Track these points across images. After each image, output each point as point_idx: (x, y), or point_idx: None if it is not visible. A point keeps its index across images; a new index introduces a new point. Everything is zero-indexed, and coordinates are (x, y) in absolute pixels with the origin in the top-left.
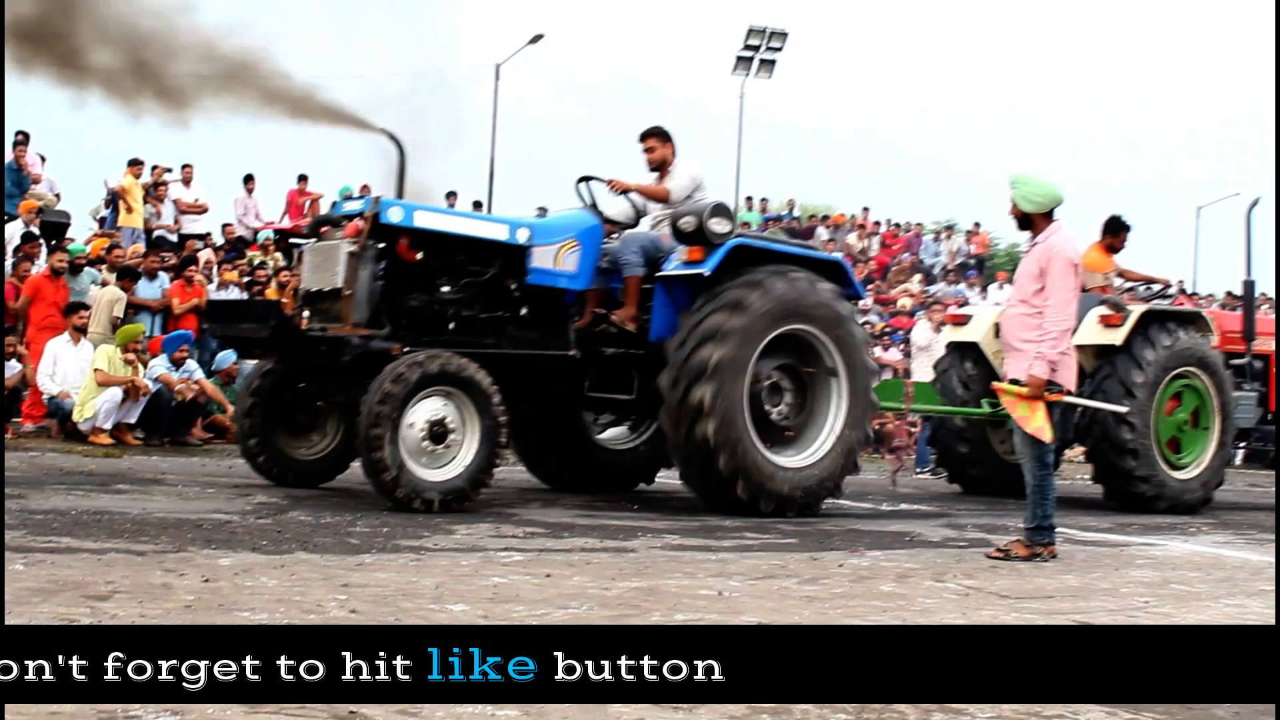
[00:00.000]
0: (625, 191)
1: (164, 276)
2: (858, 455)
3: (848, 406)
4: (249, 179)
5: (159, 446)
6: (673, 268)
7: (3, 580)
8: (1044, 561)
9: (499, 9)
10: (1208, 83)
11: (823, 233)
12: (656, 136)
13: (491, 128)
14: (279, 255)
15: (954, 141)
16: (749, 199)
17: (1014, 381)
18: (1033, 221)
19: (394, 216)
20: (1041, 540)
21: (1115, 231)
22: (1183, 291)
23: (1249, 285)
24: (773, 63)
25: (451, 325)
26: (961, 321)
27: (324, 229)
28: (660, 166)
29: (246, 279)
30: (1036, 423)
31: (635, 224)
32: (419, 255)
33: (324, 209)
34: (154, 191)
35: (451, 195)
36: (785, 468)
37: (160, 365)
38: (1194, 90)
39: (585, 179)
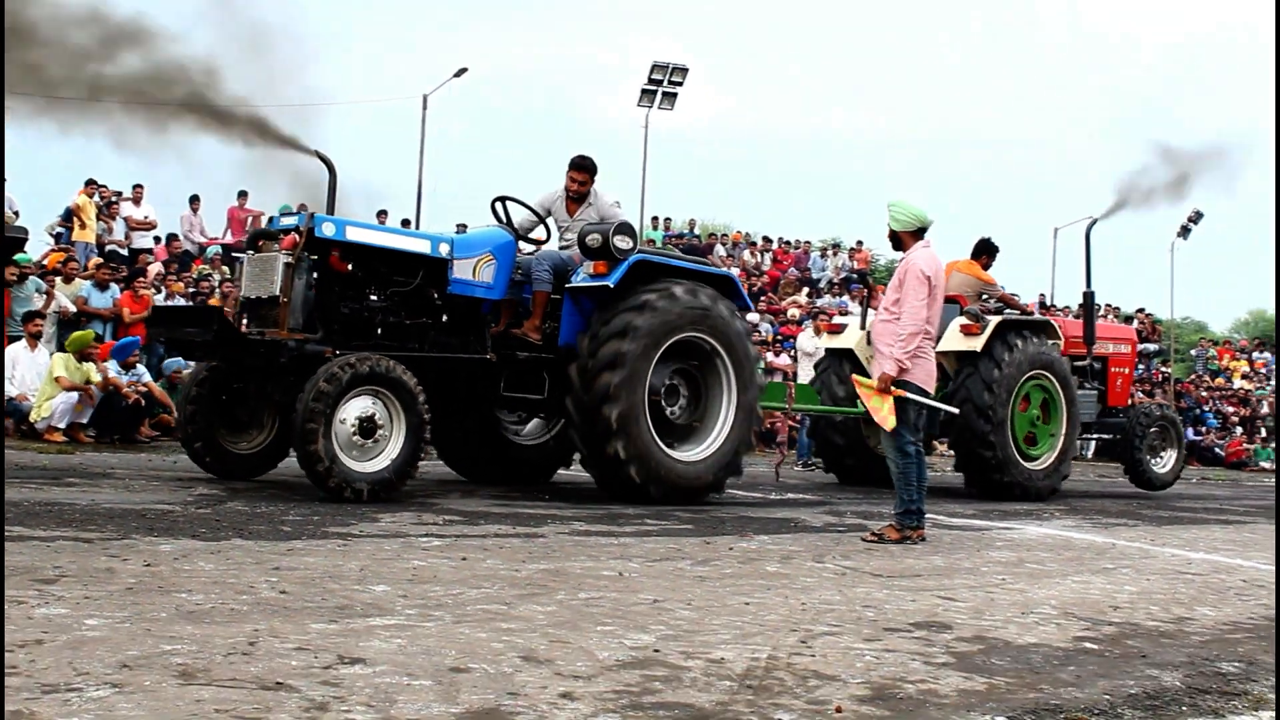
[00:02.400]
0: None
1: (115, 287)
2: (745, 452)
3: (736, 407)
4: (194, 199)
5: (109, 444)
6: (580, 280)
7: (2, 576)
8: (913, 544)
9: (428, 47)
10: (1060, 119)
11: (720, 250)
12: (586, 170)
13: (420, 152)
14: (225, 268)
15: (842, 168)
16: (654, 219)
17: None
18: (901, 240)
19: (327, 231)
20: (910, 524)
21: (990, 252)
22: (1043, 304)
23: (1088, 296)
24: (675, 95)
25: (379, 330)
26: (837, 330)
27: (262, 242)
28: (582, 196)
29: (192, 290)
30: (884, 414)
31: (545, 240)
32: (349, 266)
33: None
34: (106, 210)
35: (382, 213)
36: (679, 460)
37: (111, 369)
38: (1054, 125)
39: (501, 199)
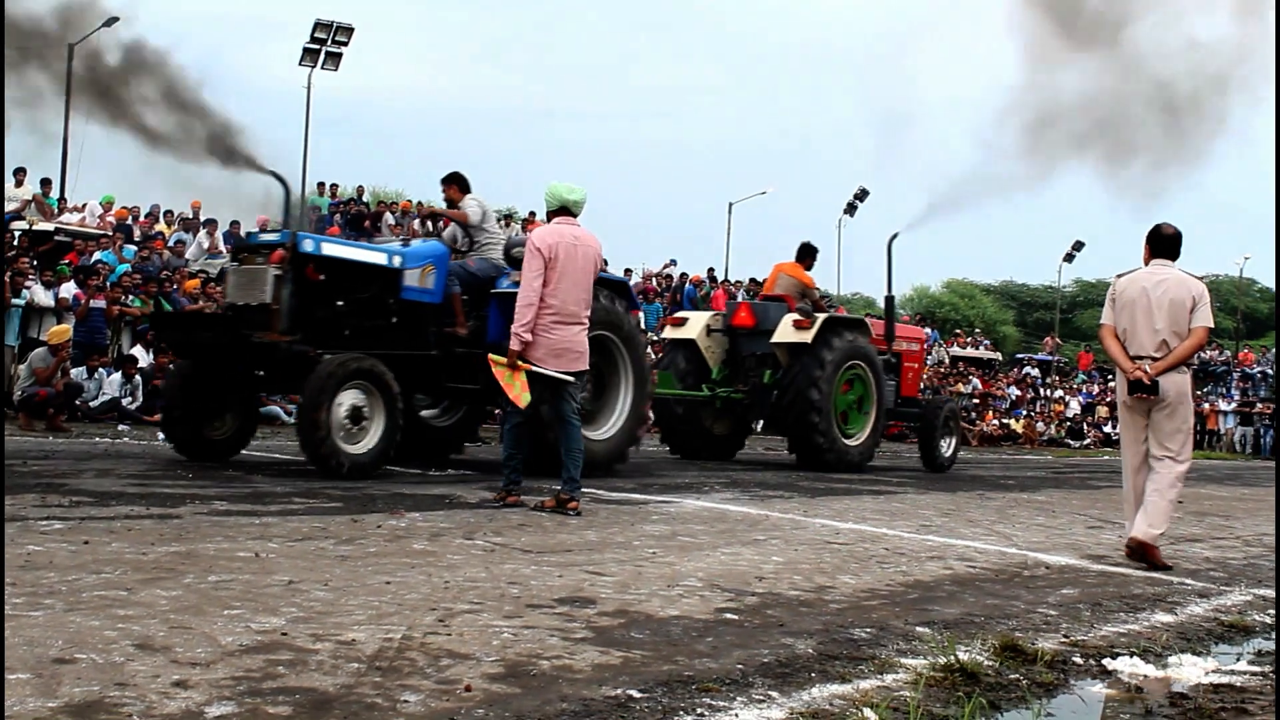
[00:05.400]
0: (431, 215)
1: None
2: (640, 428)
3: (633, 393)
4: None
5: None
6: (505, 286)
7: (2, 577)
8: (569, 516)
9: None
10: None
11: (389, 218)
12: (455, 184)
13: (65, 108)
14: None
15: (518, 139)
16: (320, 184)
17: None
18: (550, 220)
19: (307, 246)
20: (572, 493)
21: (811, 255)
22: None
23: (890, 300)
24: (339, 55)
25: (347, 332)
26: (680, 323)
27: (243, 254)
28: (452, 205)
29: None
30: (515, 390)
31: (469, 249)
32: (321, 276)
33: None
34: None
35: (20, 171)
36: (591, 439)
37: None
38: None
39: (430, 216)
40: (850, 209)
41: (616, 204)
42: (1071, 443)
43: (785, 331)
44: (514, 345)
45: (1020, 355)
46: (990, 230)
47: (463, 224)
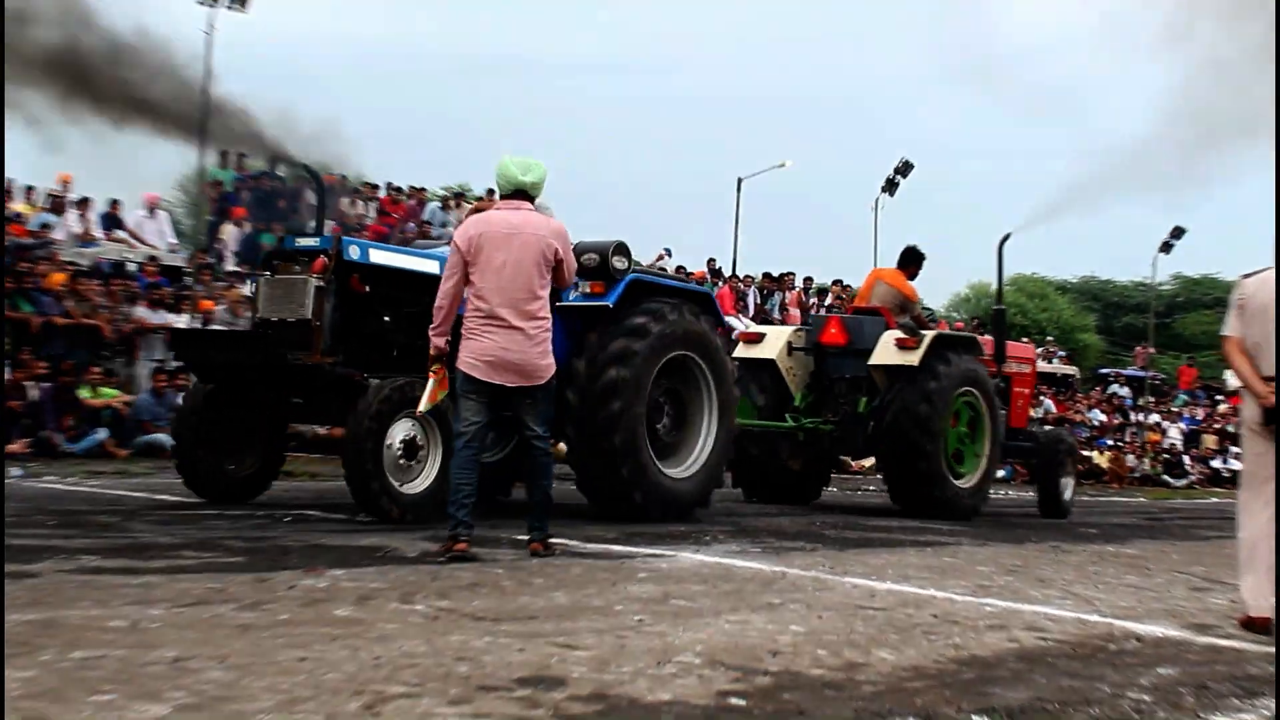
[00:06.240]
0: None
1: None
2: (726, 466)
3: (718, 423)
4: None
5: None
6: (570, 299)
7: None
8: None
9: None
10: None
11: (310, 195)
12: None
13: None
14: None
15: (469, 90)
16: (223, 153)
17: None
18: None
19: (353, 254)
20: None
21: (916, 262)
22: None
23: (999, 313)
24: None
25: (394, 352)
26: (755, 339)
27: (278, 263)
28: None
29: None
30: (426, 396)
31: None
32: (366, 288)
33: None
34: None
35: None
36: (671, 478)
37: None
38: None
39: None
40: (890, 186)
41: (586, 178)
42: (1171, 481)
43: (886, 352)
44: (431, 350)
45: (1105, 370)
46: None
47: None
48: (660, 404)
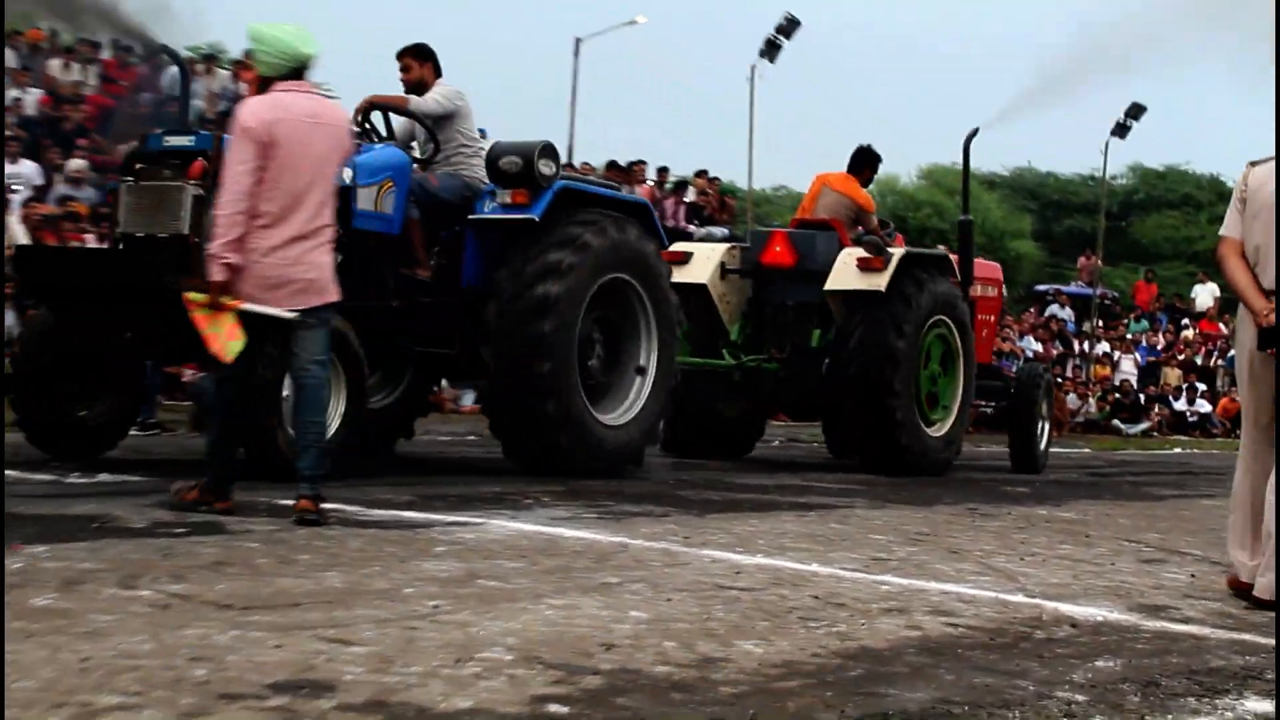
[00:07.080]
0: (370, 108)
1: None
2: (666, 414)
3: (657, 363)
4: None
5: None
6: (486, 212)
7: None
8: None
9: None
10: None
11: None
12: (412, 55)
13: None
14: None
15: None
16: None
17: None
18: (267, 87)
19: None
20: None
21: (871, 164)
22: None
23: (967, 225)
24: None
25: None
26: (681, 259)
27: (141, 166)
28: (418, 88)
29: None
30: (223, 339)
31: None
32: None
33: None
34: None
35: None
36: (604, 424)
37: None
38: None
39: (373, 107)
40: (770, 50)
41: (375, 35)
42: (1122, 427)
43: (846, 274)
44: (216, 274)
45: (1042, 288)
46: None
47: (420, 119)
48: (592, 338)
